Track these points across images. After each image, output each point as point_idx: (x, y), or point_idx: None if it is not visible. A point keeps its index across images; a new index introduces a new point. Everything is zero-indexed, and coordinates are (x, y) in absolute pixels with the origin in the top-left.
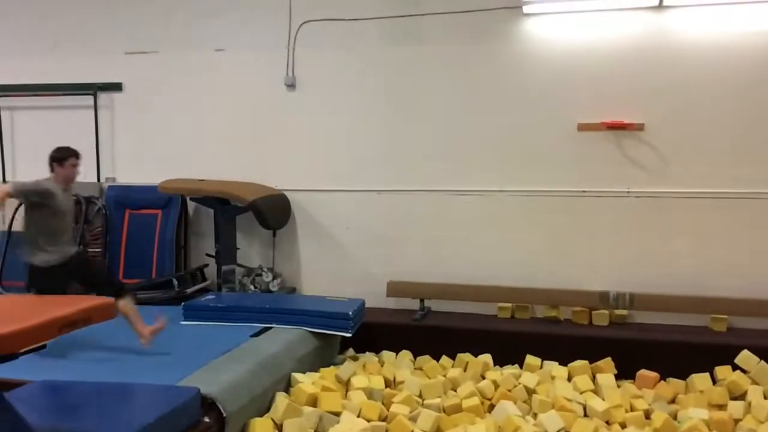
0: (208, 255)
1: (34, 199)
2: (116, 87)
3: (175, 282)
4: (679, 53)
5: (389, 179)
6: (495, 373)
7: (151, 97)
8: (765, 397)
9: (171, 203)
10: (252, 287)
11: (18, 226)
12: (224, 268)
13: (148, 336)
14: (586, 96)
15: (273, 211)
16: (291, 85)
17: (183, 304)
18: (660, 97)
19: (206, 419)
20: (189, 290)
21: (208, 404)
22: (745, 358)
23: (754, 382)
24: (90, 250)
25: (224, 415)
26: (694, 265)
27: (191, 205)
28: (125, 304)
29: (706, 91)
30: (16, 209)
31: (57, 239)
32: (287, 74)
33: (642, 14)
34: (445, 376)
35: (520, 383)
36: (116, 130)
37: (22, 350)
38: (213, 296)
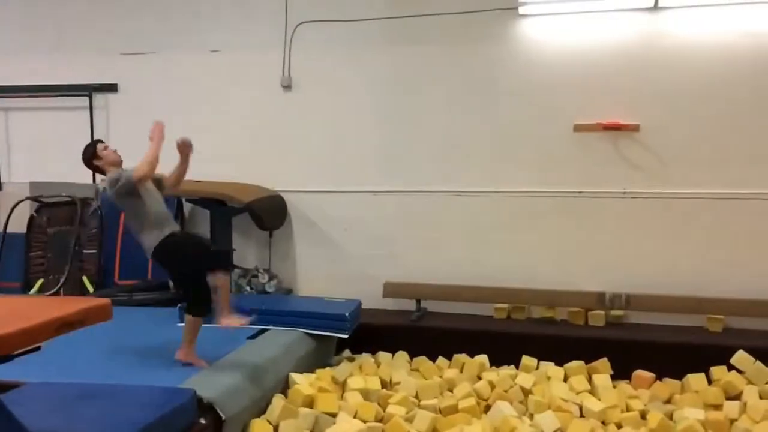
0: None
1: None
2: (112, 88)
3: (171, 283)
4: (674, 54)
5: (386, 180)
6: (491, 374)
7: (147, 98)
8: (760, 398)
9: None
10: (248, 288)
11: (12, 227)
12: None
13: (223, 322)
14: (582, 97)
15: (269, 213)
16: (287, 86)
17: (179, 305)
18: (655, 97)
19: (203, 421)
20: None
21: (205, 407)
22: (740, 358)
23: (750, 383)
24: (85, 251)
25: (222, 417)
26: (690, 266)
27: (187, 207)
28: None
29: (702, 92)
30: (11, 210)
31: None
32: (284, 75)
33: (637, 15)
34: (441, 377)
35: (516, 384)
36: (112, 131)
37: (17, 351)
38: None
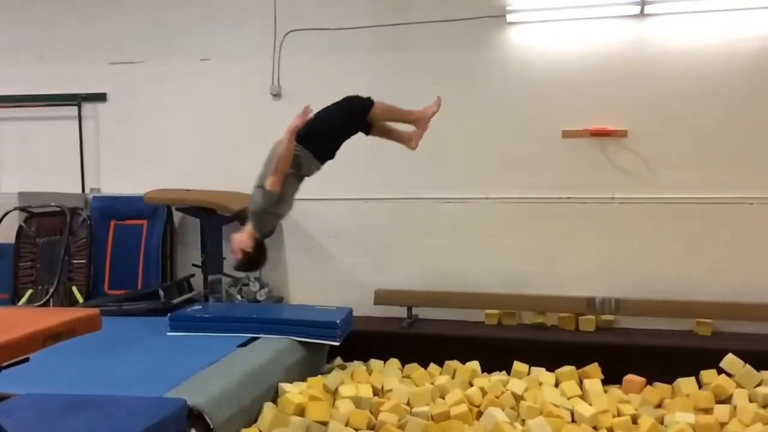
0: (194, 265)
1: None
2: (101, 97)
3: (162, 293)
4: (660, 60)
5: (376, 187)
6: (483, 380)
7: (136, 108)
8: (750, 401)
9: (156, 213)
10: (239, 297)
11: (1, 238)
12: (211, 278)
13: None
14: (570, 103)
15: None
16: (277, 95)
17: (169, 315)
18: (643, 103)
19: (193, 430)
20: (175, 301)
21: (194, 415)
22: (730, 361)
23: (740, 386)
24: (75, 261)
25: (211, 426)
26: (679, 270)
27: (177, 215)
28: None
29: (688, 98)
30: (0, 220)
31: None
32: (273, 83)
33: (624, 22)
34: (433, 383)
35: (507, 390)
36: (101, 140)
37: (5, 363)
38: (199, 307)
